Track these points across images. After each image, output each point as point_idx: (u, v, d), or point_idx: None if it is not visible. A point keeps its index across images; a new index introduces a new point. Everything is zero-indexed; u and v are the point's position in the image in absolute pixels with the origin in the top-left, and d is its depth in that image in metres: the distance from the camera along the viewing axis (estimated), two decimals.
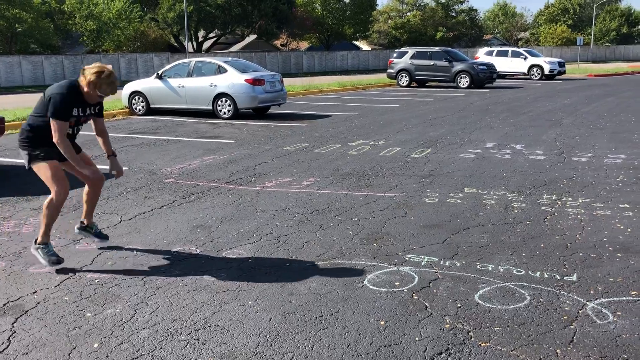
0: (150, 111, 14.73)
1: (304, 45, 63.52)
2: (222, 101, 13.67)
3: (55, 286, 4.00)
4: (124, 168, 7.33)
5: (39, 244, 4.30)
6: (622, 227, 5.10)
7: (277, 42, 60.47)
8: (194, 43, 49.60)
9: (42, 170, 4.25)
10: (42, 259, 4.25)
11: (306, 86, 23.96)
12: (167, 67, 14.97)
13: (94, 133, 4.56)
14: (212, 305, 3.66)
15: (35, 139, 4.25)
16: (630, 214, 5.49)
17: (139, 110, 14.84)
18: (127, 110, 15.09)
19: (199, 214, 5.73)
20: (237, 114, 13.62)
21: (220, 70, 13.84)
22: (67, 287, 3.98)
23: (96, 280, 4.09)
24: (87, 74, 4.07)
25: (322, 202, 6.09)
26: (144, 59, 37.17)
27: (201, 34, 51.09)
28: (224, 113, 13.69)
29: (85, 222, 4.74)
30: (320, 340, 3.21)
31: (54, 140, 4.11)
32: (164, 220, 5.56)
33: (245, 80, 13.37)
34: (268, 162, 8.36)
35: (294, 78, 33.29)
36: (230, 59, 15.09)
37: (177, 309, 3.62)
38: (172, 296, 3.81)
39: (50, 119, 4.08)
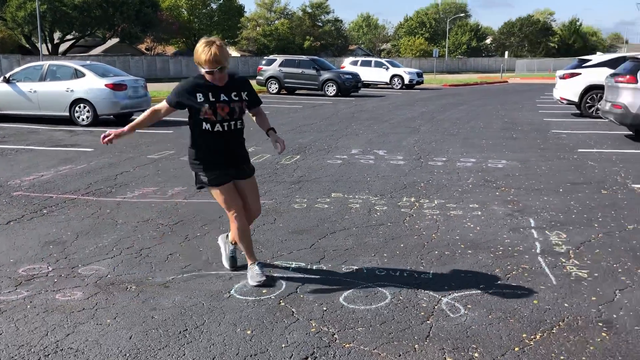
0: None
1: (171, 49, 61.80)
2: (80, 107, 12.86)
3: None
4: None
5: (251, 264, 4.14)
6: (472, 225, 5.51)
7: (142, 46, 58.22)
8: (49, 45, 46.13)
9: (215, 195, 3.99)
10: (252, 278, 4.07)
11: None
12: (17, 69, 13.81)
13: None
14: (66, 327, 3.39)
15: (204, 156, 3.89)
16: (479, 213, 5.95)
17: None
18: None
19: (52, 228, 5.30)
20: (97, 121, 12.88)
21: (77, 74, 13.02)
22: None
23: None
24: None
25: (188, 212, 5.92)
26: None
27: (57, 35, 47.67)
28: (83, 120, 12.88)
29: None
30: (184, 355, 3.09)
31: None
32: (11, 237, 5.07)
33: (106, 85, 12.71)
34: (130, 171, 7.97)
35: (161, 83, 32.22)
36: (88, 62, 14.24)
37: (24, 334, 3.30)
38: (18, 320, 3.47)
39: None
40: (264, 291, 3.93)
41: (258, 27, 70.40)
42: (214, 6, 57.10)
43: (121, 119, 13.85)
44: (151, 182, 7.31)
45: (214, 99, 3.76)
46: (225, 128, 3.82)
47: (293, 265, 4.42)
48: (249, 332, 3.35)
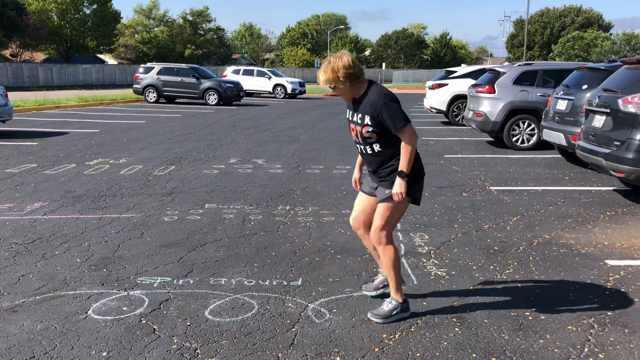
0: None
1: (40, 56, 57.84)
2: None
3: None
4: None
5: (401, 303, 3.66)
6: (343, 230, 5.64)
7: (7, 52, 53.97)
8: None
9: (401, 211, 3.59)
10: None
11: (40, 101, 21.77)
12: None
13: None
14: None
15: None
16: None
17: None
18: None
19: None
20: None
21: None
22: None
23: None
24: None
25: (47, 229, 5.52)
26: None
27: None
28: None
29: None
30: None
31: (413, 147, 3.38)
32: None
33: None
34: None
35: (28, 92, 30.02)
36: None
37: None
38: None
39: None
40: (124, 309, 3.74)
41: (136, 34, 67.87)
42: (87, 11, 54.16)
43: None
44: (7, 198, 6.74)
45: (348, 117, 3.61)
46: (359, 149, 3.64)
47: (158, 281, 4.25)
48: (104, 353, 3.16)
